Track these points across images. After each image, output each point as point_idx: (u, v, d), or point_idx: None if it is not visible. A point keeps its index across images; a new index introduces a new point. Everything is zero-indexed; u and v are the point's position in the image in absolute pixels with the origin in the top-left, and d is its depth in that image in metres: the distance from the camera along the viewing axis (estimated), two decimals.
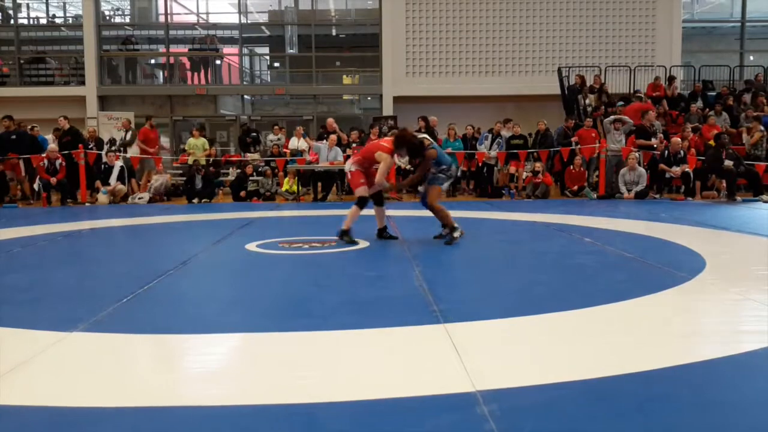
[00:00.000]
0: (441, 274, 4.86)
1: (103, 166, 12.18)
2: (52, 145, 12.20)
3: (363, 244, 6.20)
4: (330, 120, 13.41)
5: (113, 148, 13.00)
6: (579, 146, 12.59)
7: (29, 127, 12.80)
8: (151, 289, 4.38)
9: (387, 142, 6.31)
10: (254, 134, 14.49)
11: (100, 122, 16.24)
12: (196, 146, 13.39)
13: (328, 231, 6.77)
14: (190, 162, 13.10)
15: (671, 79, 15.81)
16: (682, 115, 14.43)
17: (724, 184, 11.70)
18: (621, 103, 14.23)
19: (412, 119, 13.98)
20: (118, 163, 12.16)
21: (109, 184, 12.00)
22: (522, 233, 7.61)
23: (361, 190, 6.30)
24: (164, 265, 5.20)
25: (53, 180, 11.72)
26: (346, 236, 6.25)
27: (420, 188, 6.71)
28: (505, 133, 13.12)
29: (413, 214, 9.59)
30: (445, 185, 6.54)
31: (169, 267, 5.14)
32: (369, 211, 6.58)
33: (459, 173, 6.67)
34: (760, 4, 19.51)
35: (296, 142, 14.01)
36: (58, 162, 11.87)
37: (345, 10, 20.29)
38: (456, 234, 6.30)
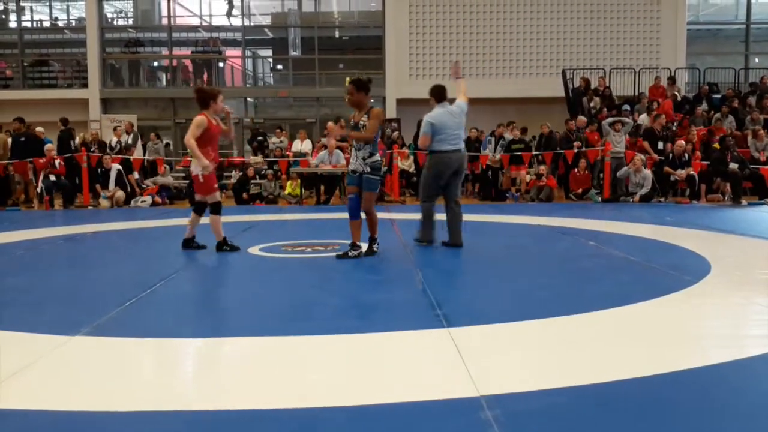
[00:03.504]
0: (444, 278, 4.84)
1: (99, 170, 12.17)
2: (50, 145, 12.23)
3: (364, 246, 6.17)
4: (330, 124, 13.41)
5: (108, 151, 12.97)
6: (584, 148, 12.55)
7: (36, 129, 12.84)
8: (153, 292, 4.37)
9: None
10: (260, 138, 14.46)
11: (102, 125, 16.28)
12: None
13: (331, 234, 6.77)
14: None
15: (672, 80, 15.76)
16: (686, 117, 14.40)
17: (729, 188, 11.65)
18: (626, 107, 14.19)
19: (415, 122, 13.95)
20: (115, 167, 12.14)
21: (108, 189, 11.99)
22: (526, 237, 7.59)
23: (216, 196, 6.06)
24: (166, 269, 5.19)
25: (53, 177, 11.73)
26: (226, 245, 6.06)
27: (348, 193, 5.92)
28: (509, 135, 13.09)
29: (416, 217, 9.56)
30: (377, 189, 5.90)
31: (171, 271, 5.13)
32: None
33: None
34: (766, 6, 19.46)
35: (299, 145, 14.02)
36: (56, 161, 11.92)
37: (348, 13, 20.31)
38: (375, 246, 5.84)
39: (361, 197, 5.72)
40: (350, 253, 5.69)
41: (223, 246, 6.06)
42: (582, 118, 13.31)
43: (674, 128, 13.40)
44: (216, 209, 6.04)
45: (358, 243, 5.76)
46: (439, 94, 6.33)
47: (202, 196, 6.06)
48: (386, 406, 2.40)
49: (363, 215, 5.78)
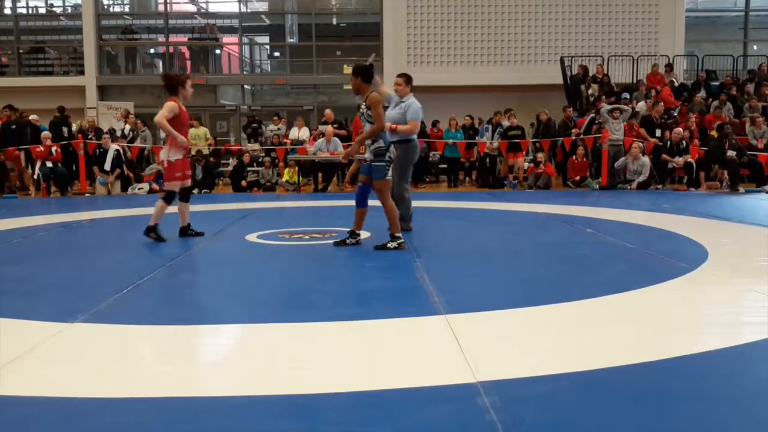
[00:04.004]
0: (442, 266, 4.84)
1: (97, 150, 12.11)
2: (46, 133, 12.15)
3: (364, 235, 6.17)
4: (328, 111, 13.38)
5: (107, 133, 12.91)
6: (582, 136, 12.52)
7: (30, 117, 12.78)
8: (150, 279, 4.37)
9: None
10: (254, 125, 14.43)
11: (99, 112, 16.20)
12: (198, 136, 13.33)
13: (329, 222, 6.77)
14: (192, 152, 13.03)
15: (669, 67, 15.72)
16: (684, 105, 14.37)
17: (726, 175, 11.66)
18: (626, 95, 14.14)
19: None
20: (113, 147, 12.09)
21: (105, 171, 11.92)
22: (523, 224, 7.59)
23: (174, 185, 5.98)
24: (164, 257, 5.19)
25: (50, 164, 11.70)
26: (153, 233, 5.92)
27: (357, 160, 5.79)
28: (506, 123, 13.06)
29: (414, 204, 9.56)
30: (390, 173, 5.49)
31: (168, 258, 5.13)
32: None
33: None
34: None
35: (297, 132, 13.98)
36: (53, 148, 11.90)
37: None
38: (392, 244, 5.41)
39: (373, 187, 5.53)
40: (348, 240, 5.65)
41: (151, 233, 5.93)
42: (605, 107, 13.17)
43: (675, 115, 13.36)
44: (167, 198, 5.95)
45: (357, 231, 5.72)
46: (411, 83, 6.43)
47: (177, 185, 6.01)
48: (383, 392, 2.41)
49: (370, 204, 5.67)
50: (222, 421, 2.18)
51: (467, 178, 13.82)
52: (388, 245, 5.41)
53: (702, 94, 14.98)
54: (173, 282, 4.47)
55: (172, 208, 6.17)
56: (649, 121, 12.66)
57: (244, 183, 12.36)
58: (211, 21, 19.51)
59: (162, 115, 5.77)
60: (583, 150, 12.38)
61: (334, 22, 20.26)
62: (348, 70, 19.02)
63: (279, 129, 14.15)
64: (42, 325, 3.26)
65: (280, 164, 13.09)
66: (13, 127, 12.24)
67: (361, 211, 5.65)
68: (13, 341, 3.03)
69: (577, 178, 12.36)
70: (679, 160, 11.87)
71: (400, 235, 5.50)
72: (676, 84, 15.41)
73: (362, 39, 19.36)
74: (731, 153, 11.43)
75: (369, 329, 3.22)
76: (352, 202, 5.85)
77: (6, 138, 12.16)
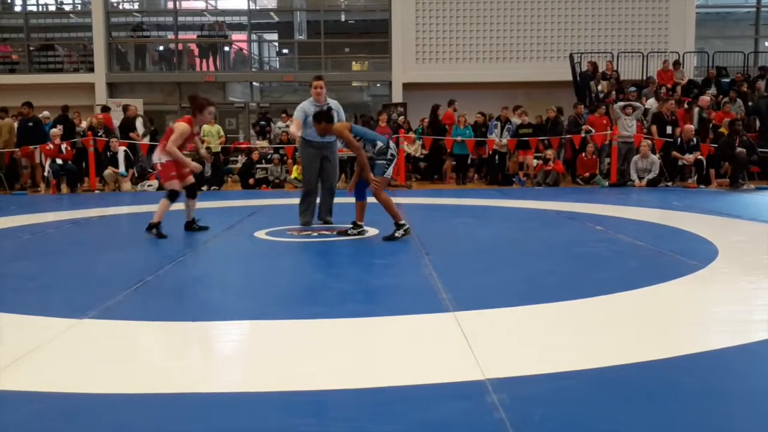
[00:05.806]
0: (450, 263, 4.83)
1: (108, 153, 12.18)
2: (55, 130, 12.17)
3: (372, 231, 6.17)
4: None
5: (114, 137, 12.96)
6: (591, 133, 12.45)
7: (40, 115, 12.85)
8: (160, 276, 4.38)
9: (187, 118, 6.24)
10: (263, 123, 14.46)
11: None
12: (211, 133, 13.35)
13: (338, 219, 6.77)
14: (204, 148, 13.07)
15: (676, 64, 15.61)
16: (695, 101, 14.26)
17: (730, 170, 11.57)
18: (633, 88, 14.07)
19: (421, 106, 13.90)
20: (122, 149, 12.15)
21: (122, 173, 12.00)
22: (532, 221, 7.56)
23: (173, 184, 6.09)
24: (173, 253, 5.21)
25: (60, 161, 11.77)
26: (154, 230, 6.03)
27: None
28: (516, 120, 13.01)
29: (423, 202, 9.57)
30: (389, 171, 5.80)
31: (178, 254, 5.15)
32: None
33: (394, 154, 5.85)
34: None
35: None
36: (63, 146, 11.97)
37: None
38: (399, 233, 5.70)
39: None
40: (350, 231, 6.00)
41: (152, 229, 6.05)
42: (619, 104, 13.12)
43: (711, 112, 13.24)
44: (171, 197, 6.10)
45: (359, 222, 6.02)
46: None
47: (177, 183, 6.13)
48: (392, 389, 2.41)
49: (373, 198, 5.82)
50: (230, 417, 2.18)
51: (476, 175, 13.79)
52: (396, 234, 5.69)
53: (712, 90, 14.87)
54: (183, 278, 4.48)
55: (178, 206, 6.24)
56: (659, 119, 12.58)
57: (251, 181, 12.38)
58: (220, 18, 19.54)
59: (173, 143, 5.99)
60: (593, 147, 12.32)
61: (343, 18, 20.24)
62: (356, 66, 19.03)
63: (287, 126, 14.15)
64: (52, 321, 3.27)
65: (289, 161, 13.10)
66: (30, 124, 12.32)
67: (360, 204, 6.01)
68: (23, 337, 3.05)
69: (587, 175, 12.31)
70: (690, 158, 11.80)
71: (403, 222, 5.77)
72: (683, 82, 15.30)
73: (371, 36, 19.33)
74: (740, 149, 11.34)
75: (377, 326, 3.23)
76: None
77: (24, 135, 12.25)
